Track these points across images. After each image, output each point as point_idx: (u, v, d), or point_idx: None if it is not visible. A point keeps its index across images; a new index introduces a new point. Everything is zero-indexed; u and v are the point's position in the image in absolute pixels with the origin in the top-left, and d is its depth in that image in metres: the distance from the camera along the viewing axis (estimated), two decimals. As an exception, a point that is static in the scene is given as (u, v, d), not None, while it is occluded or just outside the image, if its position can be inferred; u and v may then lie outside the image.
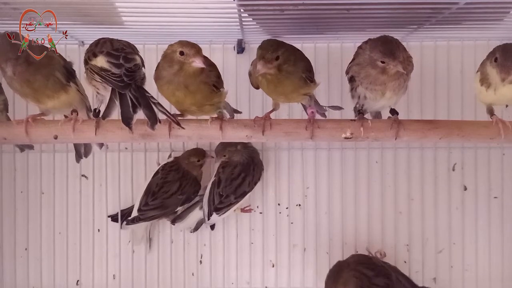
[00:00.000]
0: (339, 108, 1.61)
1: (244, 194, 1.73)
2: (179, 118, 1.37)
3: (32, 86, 1.31)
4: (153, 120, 1.26)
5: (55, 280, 1.85)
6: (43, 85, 1.32)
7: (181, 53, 1.28)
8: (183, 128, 1.33)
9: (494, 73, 1.32)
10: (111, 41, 1.34)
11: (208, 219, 1.73)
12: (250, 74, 1.45)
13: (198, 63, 1.27)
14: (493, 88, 1.35)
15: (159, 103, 1.29)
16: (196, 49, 1.28)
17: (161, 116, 1.29)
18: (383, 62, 1.27)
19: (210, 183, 1.76)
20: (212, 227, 1.84)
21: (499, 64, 1.29)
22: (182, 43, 1.29)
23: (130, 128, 1.25)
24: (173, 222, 1.80)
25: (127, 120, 1.24)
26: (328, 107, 1.60)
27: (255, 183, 1.75)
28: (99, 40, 1.35)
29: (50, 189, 1.85)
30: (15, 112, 1.69)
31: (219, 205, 1.72)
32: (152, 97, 1.29)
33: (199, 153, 1.79)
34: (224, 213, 1.73)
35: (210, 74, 1.35)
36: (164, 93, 1.34)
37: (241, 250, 1.86)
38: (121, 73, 1.26)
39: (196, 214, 1.79)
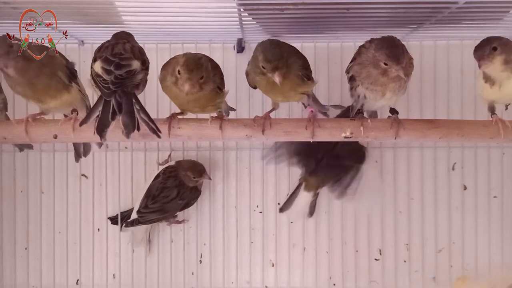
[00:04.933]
0: (341, 107, 1.60)
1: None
2: (179, 117, 1.38)
3: (35, 86, 1.31)
4: (129, 129, 1.22)
5: (55, 279, 1.85)
6: (46, 85, 1.32)
7: (178, 72, 1.28)
8: (159, 137, 1.29)
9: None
10: (113, 46, 1.31)
11: None
12: (247, 74, 1.44)
13: (186, 89, 1.26)
14: (499, 85, 1.35)
15: (143, 110, 1.25)
16: (187, 76, 1.26)
17: (161, 116, 1.29)
18: (386, 64, 1.27)
19: None
20: None
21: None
22: (185, 61, 1.27)
23: (102, 137, 1.21)
24: (281, 210, 1.77)
25: (101, 127, 1.21)
26: (330, 106, 1.59)
27: None
28: (103, 44, 1.33)
29: (50, 189, 1.85)
30: (15, 111, 1.69)
31: None
32: (138, 103, 1.26)
33: (196, 171, 1.74)
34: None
35: (215, 77, 1.34)
36: (167, 94, 1.36)
37: (241, 249, 1.86)
38: (109, 80, 1.24)
39: (304, 198, 1.74)
